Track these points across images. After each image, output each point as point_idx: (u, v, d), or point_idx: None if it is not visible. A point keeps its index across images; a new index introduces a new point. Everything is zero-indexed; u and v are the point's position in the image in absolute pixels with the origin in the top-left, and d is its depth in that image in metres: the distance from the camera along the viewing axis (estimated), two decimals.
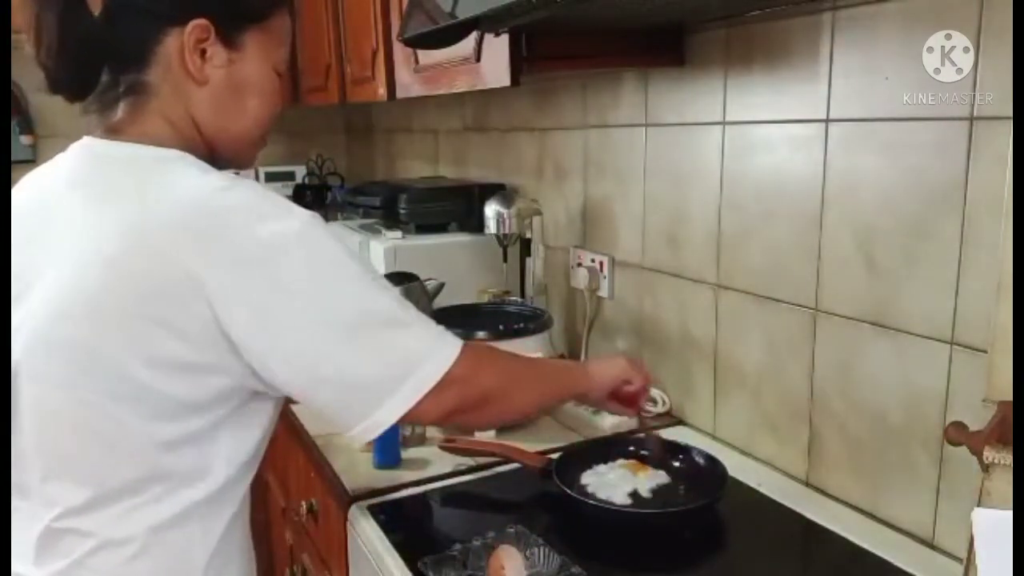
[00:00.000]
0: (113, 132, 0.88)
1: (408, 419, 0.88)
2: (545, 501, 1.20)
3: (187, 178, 0.83)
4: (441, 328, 0.92)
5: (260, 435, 0.91)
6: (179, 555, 0.87)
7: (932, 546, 1.06)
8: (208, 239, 0.79)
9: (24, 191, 0.93)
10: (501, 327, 1.48)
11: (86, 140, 0.89)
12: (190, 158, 0.87)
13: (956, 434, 0.80)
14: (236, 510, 0.91)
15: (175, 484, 0.84)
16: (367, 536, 1.15)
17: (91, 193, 0.85)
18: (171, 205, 0.80)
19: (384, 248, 1.85)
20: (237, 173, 0.91)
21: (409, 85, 1.76)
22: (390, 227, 1.98)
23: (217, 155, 0.94)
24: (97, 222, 0.81)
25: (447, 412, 0.91)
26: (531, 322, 1.47)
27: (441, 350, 0.89)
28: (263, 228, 0.80)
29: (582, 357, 1.73)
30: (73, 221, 0.83)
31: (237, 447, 0.88)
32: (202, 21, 0.86)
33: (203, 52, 0.87)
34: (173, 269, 0.78)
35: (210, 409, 0.84)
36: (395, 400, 0.85)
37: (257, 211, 0.81)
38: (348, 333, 0.84)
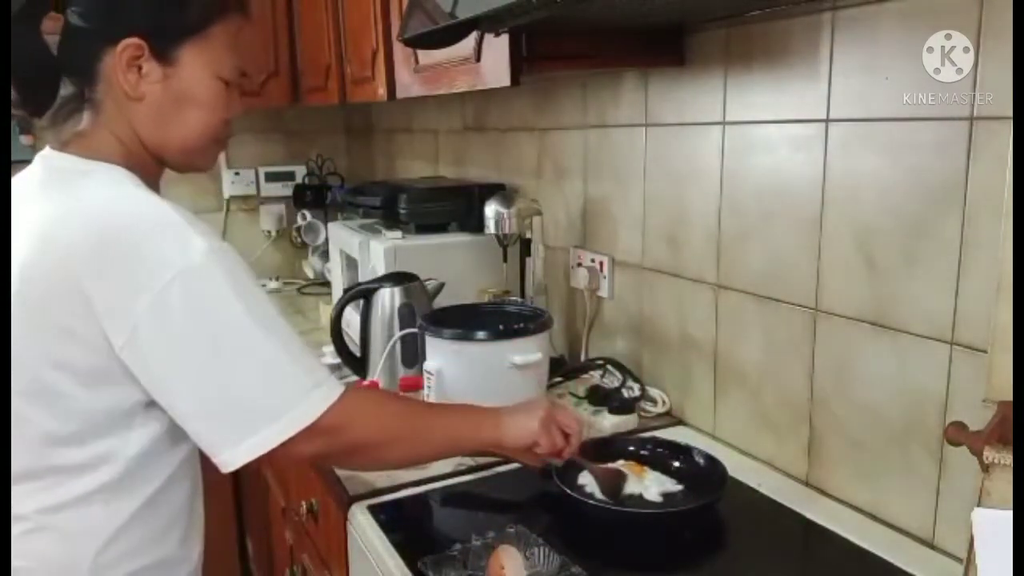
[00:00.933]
0: (63, 144, 0.94)
1: (275, 457, 0.89)
2: (545, 501, 1.20)
3: (97, 192, 0.89)
4: (324, 374, 0.92)
5: (161, 429, 0.92)
6: (75, 536, 0.91)
7: (932, 546, 1.06)
8: (98, 256, 0.83)
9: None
10: (501, 327, 1.47)
11: (43, 151, 0.96)
12: (117, 172, 0.91)
13: (956, 434, 0.80)
14: (143, 500, 0.94)
15: (68, 475, 0.90)
16: (367, 536, 1.15)
17: (31, 201, 0.91)
18: (76, 218, 0.86)
19: (384, 248, 1.85)
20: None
21: (409, 85, 1.76)
22: (390, 227, 1.98)
23: (168, 164, 1.00)
24: (25, 230, 0.88)
25: (314, 457, 0.95)
26: (531, 322, 1.47)
27: (313, 397, 0.89)
28: (153, 253, 0.83)
29: (582, 357, 1.73)
30: (16, 226, 0.89)
31: (138, 440, 0.91)
32: (134, 40, 0.90)
33: (139, 69, 0.92)
34: (69, 281, 0.83)
35: (110, 412, 0.89)
36: (256, 439, 0.86)
37: (153, 235, 0.84)
38: (219, 371, 0.86)
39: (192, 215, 0.88)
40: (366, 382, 1.51)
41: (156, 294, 0.82)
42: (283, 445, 0.87)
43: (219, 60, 0.96)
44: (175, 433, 0.93)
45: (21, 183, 0.94)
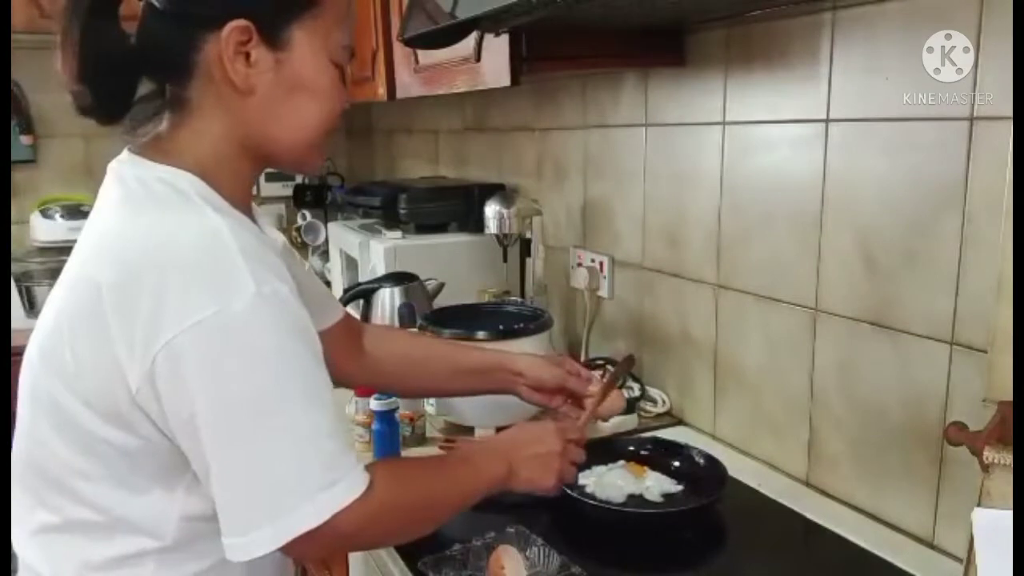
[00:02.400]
0: (142, 150, 0.79)
1: (288, 552, 0.75)
2: (545, 501, 1.19)
3: (155, 213, 0.75)
4: (345, 467, 0.75)
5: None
6: None
7: (932, 546, 1.06)
8: (129, 296, 0.70)
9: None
10: (501, 327, 1.47)
11: (121, 156, 0.81)
12: (195, 188, 0.76)
13: (956, 434, 0.80)
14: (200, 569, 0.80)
15: (119, 530, 0.78)
16: None
17: (102, 211, 0.80)
18: (120, 246, 0.74)
19: (384, 248, 1.85)
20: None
21: (409, 85, 1.76)
22: (390, 227, 1.98)
23: (275, 165, 0.87)
24: (87, 242, 0.78)
25: (325, 555, 0.86)
26: (531, 322, 1.47)
27: (320, 499, 0.72)
28: (191, 300, 0.69)
29: (582, 357, 1.73)
30: (86, 233, 0.80)
31: (191, 504, 0.77)
32: (240, 22, 0.74)
33: (247, 57, 0.76)
34: (100, 316, 0.71)
35: (142, 459, 0.76)
36: (264, 532, 0.71)
37: (193, 280, 0.70)
38: (231, 443, 0.72)
39: (257, 246, 0.75)
40: None
41: (176, 336, 0.68)
42: (289, 544, 0.72)
43: (332, 40, 0.80)
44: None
45: (103, 190, 0.82)
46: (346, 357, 1.08)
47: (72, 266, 0.79)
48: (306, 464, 0.73)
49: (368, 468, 0.78)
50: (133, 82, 0.78)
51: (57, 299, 0.78)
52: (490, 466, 0.94)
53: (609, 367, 1.60)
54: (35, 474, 0.80)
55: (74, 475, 0.77)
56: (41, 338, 0.79)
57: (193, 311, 0.68)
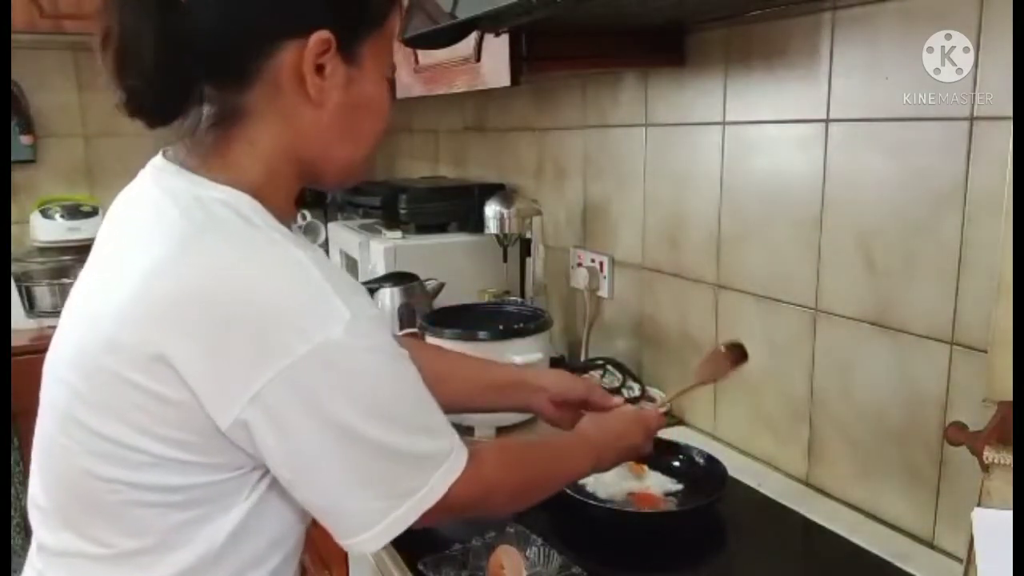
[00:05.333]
0: (189, 161, 0.75)
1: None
2: (545, 501, 1.19)
3: (218, 244, 0.70)
4: (446, 448, 0.78)
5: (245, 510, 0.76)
6: None
7: (932, 546, 1.06)
8: (224, 333, 0.67)
9: (115, 205, 0.82)
10: (501, 327, 1.47)
11: (157, 160, 0.78)
12: (251, 209, 0.73)
13: (956, 434, 0.80)
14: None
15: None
16: None
17: (140, 231, 0.74)
18: (181, 273, 0.69)
19: (384, 248, 1.85)
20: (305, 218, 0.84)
21: (409, 85, 1.76)
22: (390, 227, 1.98)
23: (320, 182, 0.83)
24: (134, 266, 0.71)
25: (455, 518, 0.86)
26: (531, 322, 1.47)
27: (449, 462, 0.77)
28: (292, 339, 0.67)
29: (582, 357, 1.73)
30: (119, 257, 0.75)
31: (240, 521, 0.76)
32: (324, 33, 0.71)
33: (319, 69, 0.72)
34: (155, 346, 0.68)
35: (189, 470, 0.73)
36: (381, 527, 0.74)
37: (292, 319, 0.67)
38: (355, 465, 0.73)
39: (338, 270, 0.75)
40: None
41: (278, 373, 0.66)
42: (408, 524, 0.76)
43: (389, 57, 0.80)
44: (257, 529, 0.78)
45: (133, 196, 0.78)
46: None
47: (116, 278, 0.72)
48: (423, 452, 0.76)
49: (480, 448, 0.83)
50: (193, 85, 0.73)
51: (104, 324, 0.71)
52: (583, 458, 1.01)
53: (609, 367, 1.60)
54: (71, 495, 0.77)
55: (127, 503, 0.73)
56: (74, 365, 0.73)
57: (291, 350, 0.66)
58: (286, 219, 0.78)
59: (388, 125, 0.82)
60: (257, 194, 0.74)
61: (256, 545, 0.78)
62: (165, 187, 0.74)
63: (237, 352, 0.67)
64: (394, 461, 0.74)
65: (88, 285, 0.78)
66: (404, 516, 0.75)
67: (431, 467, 0.76)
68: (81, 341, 0.74)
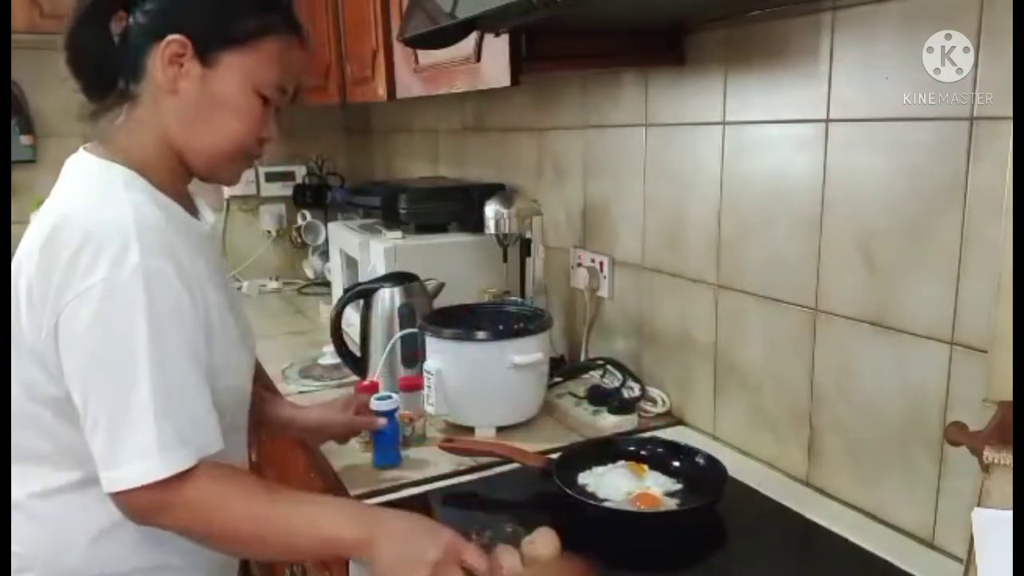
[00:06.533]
0: (101, 141, 0.98)
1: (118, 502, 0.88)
2: (545, 501, 1.20)
3: (81, 195, 0.93)
4: (186, 439, 0.86)
5: None
6: (69, 523, 0.95)
7: (932, 546, 1.06)
8: (47, 256, 0.87)
9: None
10: (501, 327, 1.48)
11: (75, 154, 0.99)
12: (122, 177, 0.93)
13: (956, 434, 0.80)
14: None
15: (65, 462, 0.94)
16: None
17: (50, 199, 0.96)
18: (52, 215, 0.90)
19: (384, 248, 1.85)
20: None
21: (409, 85, 1.76)
22: (390, 227, 1.98)
23: (190, 169, 1.01)
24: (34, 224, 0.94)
25: (146, 523, 0.89)
26: (531, 322, 1.47)
27: (149, 463, 0.84)
28: (90, 258, 0.85)
29: (582, 357, 1.73)
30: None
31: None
32: (179, 37, 0.94)
33: (180, 66, 0.95)
34: (24, 274, 0.90)
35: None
36: (110, 475, 0.86)
37: (95, 241, 0.85)
38: (100, 389, 0.86)
39: (161, 227, 0.91)
40: (366, 382, 1.50)
41: (76, 296, 0.85)
42: (119, 495, 0.86)
43: (260, 74, 0.97)
44: None
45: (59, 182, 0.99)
46: None
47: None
48: (156, 424, 0.85)
49: (201, 464, 0.87)
50: (109, 77, 0.97)
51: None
52: (341, 523, 0.88)
53: (609, 367, 1.60)
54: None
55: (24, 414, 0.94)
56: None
57: (89, 276, 0.84)
58: (178, 195, 1.00)
59: (256, 133, 1.00)
60: (142, 169, 0.96)
61: None
62: (74, 170, 0.97)
63: (60, 265, 0.87)
64: (133, 409, 0.86)
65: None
66: (110, 483, 0.87)
67: (154, 445, 0.86)
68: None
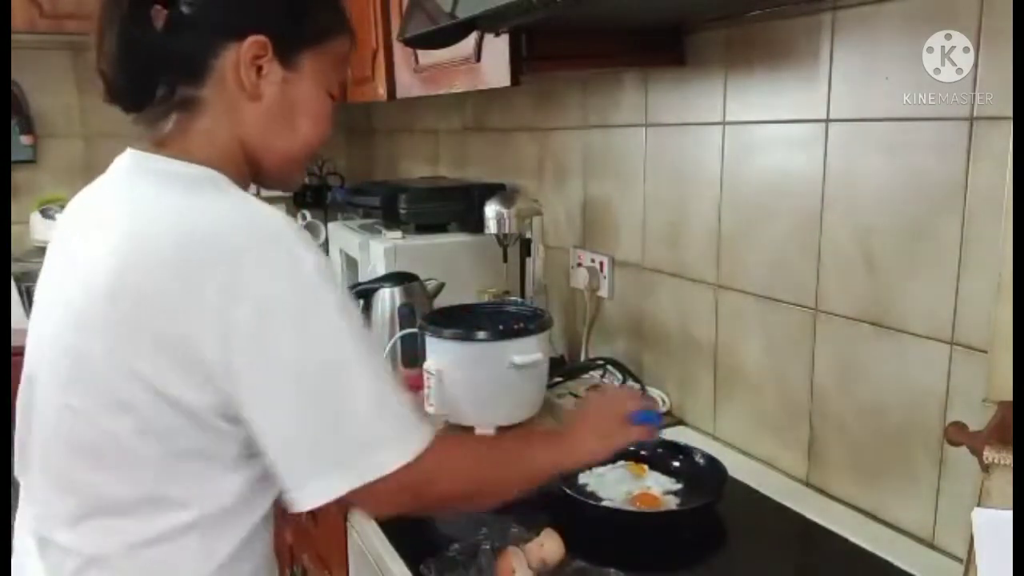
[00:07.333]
0: (157, 145, 0.86)
1: (351, 501, 0.84)
2: (545, 501, 1.20)
3: (202, 200, 0.82)
4: (415, 418, 0.85)
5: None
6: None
7: (932, 546, 1.06)
8: (203, 267, 0.76)
9: (73, 203, 0.93)
10: (501, 327, 1.48)
11: (128, 152, 0.88)
12: (221, 179, 0.84)
13: (956, 434, 0.80)
14: (237, 542, 0.87)
15: (166, 505, 0.82)
16: (367, 536, 1.15)
17: (118, 203, 0.85)
18: (173, 225, 0.79)
19: (384, 248, 1.85)
20: (257, 193, 0.90)
21: (409, 85, 1.76)
22: (390, 227, 1.98)
23: (262, 175, 0.93)
24: (111, 233, 0.81)
25: (395, 510, 0.88)
26: (531, 322, 1.47)
27: (403, 443, 0.82)
28: (260, 263, 0.77)
29: (582, 357, 1.73)
30: (98, 228, 0.84)
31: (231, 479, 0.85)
32: (260, 38, 0.85)
33: (259, 69, 0.86)
34: (161, 292, 0.76)
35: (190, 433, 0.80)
36: (332, 480, 0.81)
37: (261, 245, 0.78)
38: (315, 392, 0.79)
39: (299, 227, 0.83)
40: None
41: (257, 302, 0.75)
42: (359, 491, 0.80)
43: (331, 74, 0.93)
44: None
45: (105, 184, 0.89)
46: None
47: (108, 260, 0.79)
48: (389, 415, 0.82)
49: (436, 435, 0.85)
50: (156, 78, 0.86)
51: (97, 288, 0.79)
52: (552, 443, 1.06)
53: (609, 367, 1.60)
54: (73, 452, 0.83)
55: (123, 451, 0.80)
56: (80, 329, 0.81)
57: (270, 281, 0.76)
58: None
59: (326, 134, 0.95)
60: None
61: None
62: (145, 169, 0.86)
63: (217, 282, 0.77)
64: (368, 404, 0.82)
65: (62, 272, 0.87)
66: (354, 477, 0.82)
67: (394, 429, 0.83)
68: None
